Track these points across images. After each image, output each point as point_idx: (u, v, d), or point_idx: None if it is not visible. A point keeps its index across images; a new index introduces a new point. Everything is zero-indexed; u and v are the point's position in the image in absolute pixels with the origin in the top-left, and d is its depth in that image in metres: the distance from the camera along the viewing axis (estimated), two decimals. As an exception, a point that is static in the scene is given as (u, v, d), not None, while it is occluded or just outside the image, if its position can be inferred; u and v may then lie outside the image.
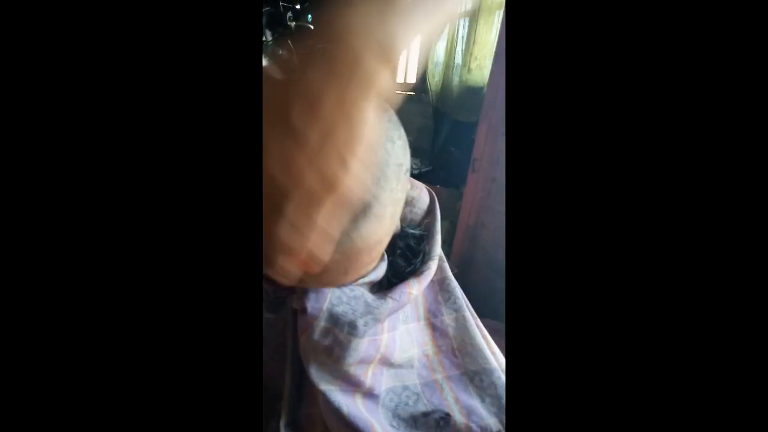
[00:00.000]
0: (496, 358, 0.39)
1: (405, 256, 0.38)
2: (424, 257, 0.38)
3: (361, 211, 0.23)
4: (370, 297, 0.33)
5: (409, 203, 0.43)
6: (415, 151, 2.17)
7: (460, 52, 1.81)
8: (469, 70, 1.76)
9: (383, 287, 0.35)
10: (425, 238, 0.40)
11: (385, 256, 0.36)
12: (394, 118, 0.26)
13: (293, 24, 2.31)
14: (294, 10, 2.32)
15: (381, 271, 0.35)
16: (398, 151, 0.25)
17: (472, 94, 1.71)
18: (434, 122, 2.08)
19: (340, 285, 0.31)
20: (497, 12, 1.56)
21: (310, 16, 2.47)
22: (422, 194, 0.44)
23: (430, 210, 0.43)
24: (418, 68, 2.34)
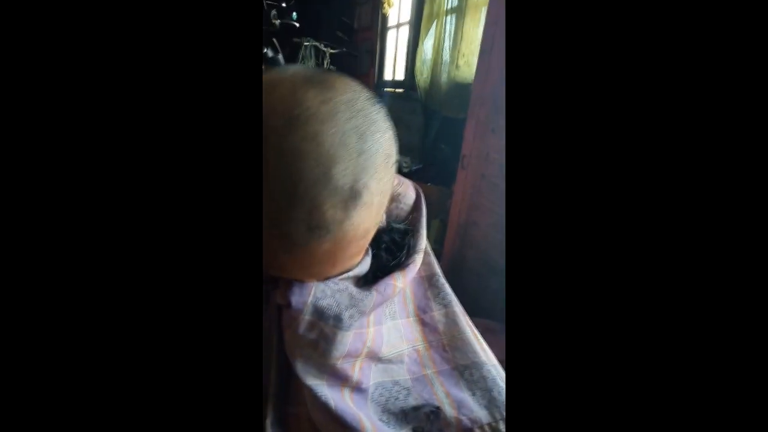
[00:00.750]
0: (485, 353, 0.40)
1: (390, 250, 0.38)
2: (409, 251, 0.38)
3: (352, 200, 0.23)
4: (354, 290, 0.33)
5: (395, 199, 0.43)
6: (406, 149, 2.18)
7: (447, 48, 1.81)
8: (457, 66, 1.76)
9: (368, 281, 0.35)
10: (410, 232, 0.40)
11: (369, 251, 0.36)
12: (383, 110, 0.27)
13: (278, 22, 2.28)
14: (279, 9, 2.29)
15: (365, 266, 0.35)
16: (386, 143, 0.26)
17: (461, 90, 1.72)
18: (424, 119, 2.08)
19: (326, 277, 0.31)
20: (483, 8, 1.56)
21: (295, 14, 2.45)
22: (408, 190, 0.44)
23: (416, 205, 0.44)
24: (406, 65, 2.34)
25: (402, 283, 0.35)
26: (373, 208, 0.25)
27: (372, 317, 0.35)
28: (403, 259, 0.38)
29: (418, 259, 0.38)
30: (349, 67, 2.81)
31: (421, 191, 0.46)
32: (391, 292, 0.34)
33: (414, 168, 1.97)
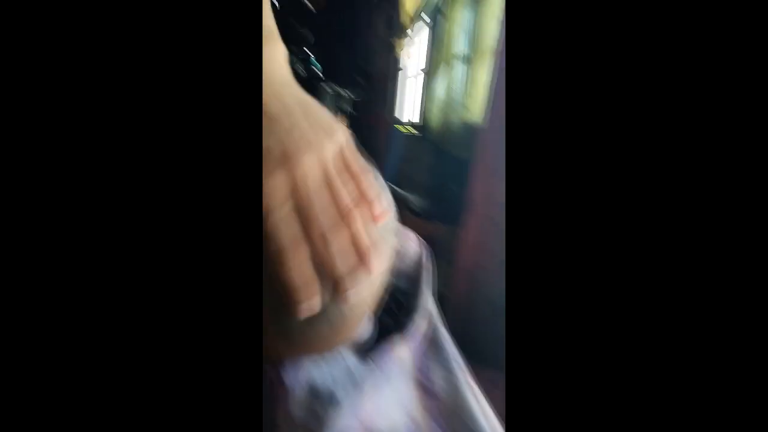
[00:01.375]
0: (488, 424, 0.36)
1: (391, 312, 0.36)
2: (412, 314, 0.36)
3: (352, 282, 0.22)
4: (351, 360, 0.31)
5: (397, 254, 0.40)
6: (416, 187, 2.19)
7: (458, 92, 1.86)
8: (466, 108, 1.80)
9: (367, 346, 0.33)
10: (413, 292, 0.38)
11: (370, 315, 0.33)
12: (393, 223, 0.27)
13: (302, 70, 2.43)
14: (300, 56, 2.45)
15: (366, 332, 0.33)
16: (391, 238, 0.26)
17: (470, 131, 1.75)
18: (434, 159, 2.10)
19: (326, 353, 0.29)
20: (491, 54, 1.61)
21: (313, 57, 2.60)
22: (410, 244, 0.42)
23: (420, 261, 0.41)
24: (420, 107, 2.42)
25: (404, 352, 0.33)
26: (375, 285, 0.24)
27: (369, 388, 0.32)
28: (405, 323, 0.35)
29: (423, 323, 0.36)
30: (367, 111, 2.92)
31: (425, 245, 0.44)
32: (391, 363, 0.32)
33: (422, 207, 1.96)
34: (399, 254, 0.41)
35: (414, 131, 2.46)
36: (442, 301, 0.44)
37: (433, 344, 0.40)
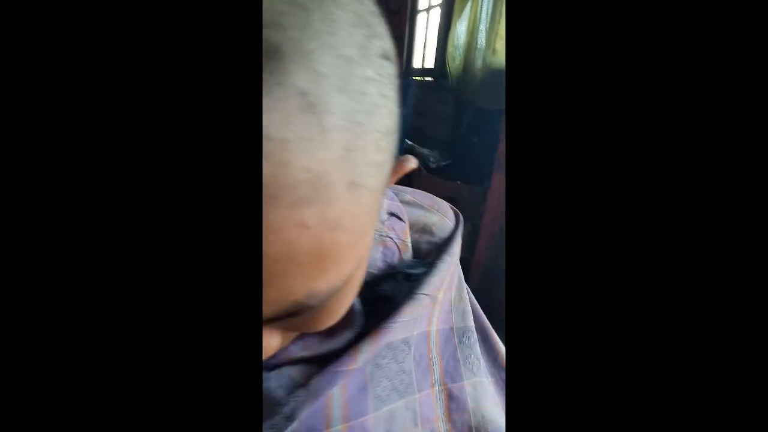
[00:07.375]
0: None
1: (385, 300, 0.28)
2: (393, 299, 0.28)
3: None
4: (298, 367, 0.24)
5: (425, 230, 0.33)
6: (434, 142, 2.06)
7: (483, 31, 1.66)
8: (493, 51, 1.63)
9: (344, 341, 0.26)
10: (421, 276, 0.29)
11: (356, 312, 0.26)
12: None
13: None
14: None
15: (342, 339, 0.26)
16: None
17: (497, 78, 1.59)
18: (455, 110, 1.95)
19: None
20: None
21: None
22: (445, 218, 0.34)
23: (450, 238, 0.33)
24: (436, 50, 2.19)
25: (360, 361, 0.25)
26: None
27: (346, 407, 0.25)
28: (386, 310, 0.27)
29: (409, 314, 0.27)
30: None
31: (461, 218, 0.35)
32: (347, 367, 0.24)
33: (442, 164, 1.83)
34: (429, 230, 0.33)
35: (429, 79, 2.26)
36: (464, 265, 0.37)
37: (462, 341, 0.33)
